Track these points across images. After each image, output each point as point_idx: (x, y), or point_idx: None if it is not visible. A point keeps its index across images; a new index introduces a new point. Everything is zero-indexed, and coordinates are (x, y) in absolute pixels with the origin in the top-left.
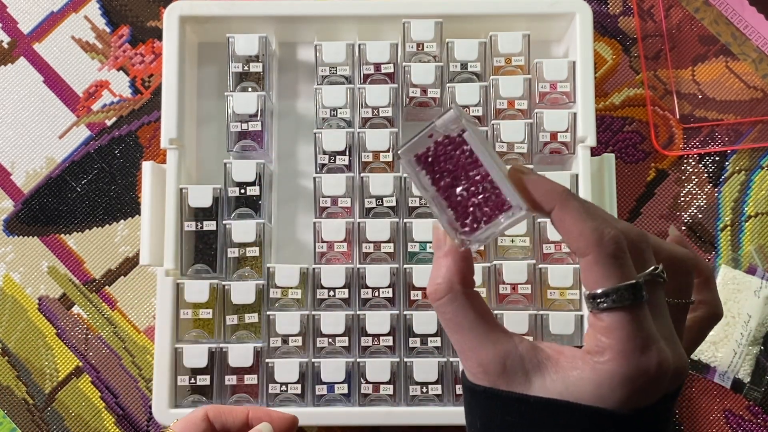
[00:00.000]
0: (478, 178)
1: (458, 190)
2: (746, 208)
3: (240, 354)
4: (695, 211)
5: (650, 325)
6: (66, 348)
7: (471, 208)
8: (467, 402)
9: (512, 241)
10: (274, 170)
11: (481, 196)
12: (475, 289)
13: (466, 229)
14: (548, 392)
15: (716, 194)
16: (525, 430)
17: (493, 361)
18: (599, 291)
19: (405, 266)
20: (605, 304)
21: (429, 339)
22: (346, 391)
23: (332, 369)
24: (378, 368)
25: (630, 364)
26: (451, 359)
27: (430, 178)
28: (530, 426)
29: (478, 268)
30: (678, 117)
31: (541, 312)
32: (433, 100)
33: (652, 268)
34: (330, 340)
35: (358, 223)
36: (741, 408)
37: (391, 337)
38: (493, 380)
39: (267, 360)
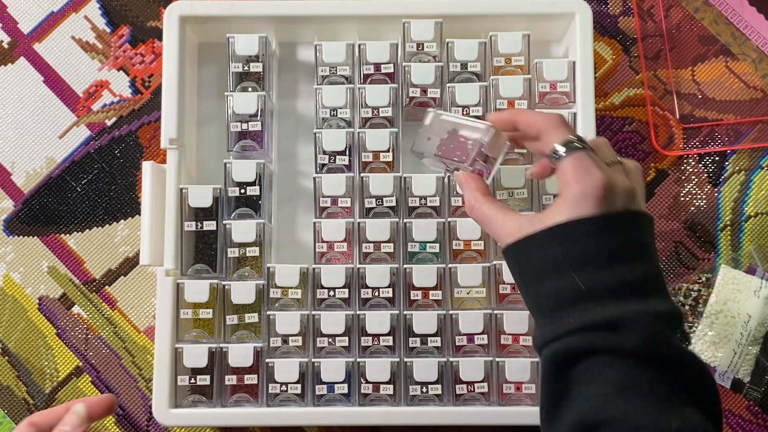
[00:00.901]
0: (467, 142)
1: (460, 152)
2: (746, 208)
3: (240, 354)
4: (695, 211)
5: (594, 159)
6: (66, 348)
7: (471, 151)
8: (509, 262)
9: None
10: (274, 170)
11: (470, 143)
12: (476, 292)
13: (472, 162)
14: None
15: (716, 194)
16: (543, 250)
17: (515, 227)
18: (557, 145)
19: (405, 266)
20: (564, 153)
21: (429, 339)
22: (346, 391)
23: (332, 369)
24: (378, 368)
25: (585, 182)
26: (451, 359)
27: (447, 159)
28: (546, 246)
29: (477, 268)
30: (678, 117)
31: None
32: (433, 100)
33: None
34: (330, 340)
35: (358, 223)
36: (741, 408)
37: (391, 337)
38: (517, 238)
39: (267, 360)
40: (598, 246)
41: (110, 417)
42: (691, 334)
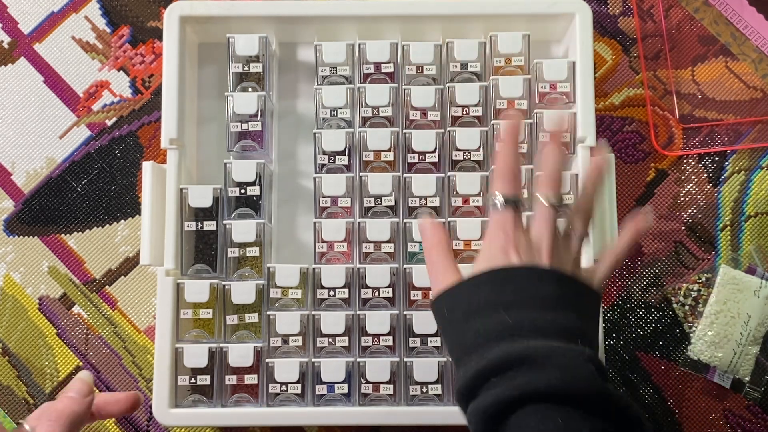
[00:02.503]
0: None
1: None
2: (746, 208)
3: (240, 354)
4: (695, 211)
5: (514, 220)
6: (66, 348)
7: None
8: (440, 309)
9: None
10: (274, 170)
11: None
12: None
13: None
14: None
15: (716, 194)
16: (475, 292)
17: (455, 279)
18: (497, 193)
19: (405, 266)
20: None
21: (429, 339)
22: (346, 390)
23: (332, 369)
24: (378, 368)
25: (493, 241)
26: (450, 359)
27: None
28: (480, 287)
29: None
30: (678, 117)
31: None
32: (434, 123)
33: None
34: (330, 340)
35: (359, 222)
36: (741, 408)
37: (391, 337)
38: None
39: (267, 360)
40: (534, 289)
41: None
42: (691, 334)
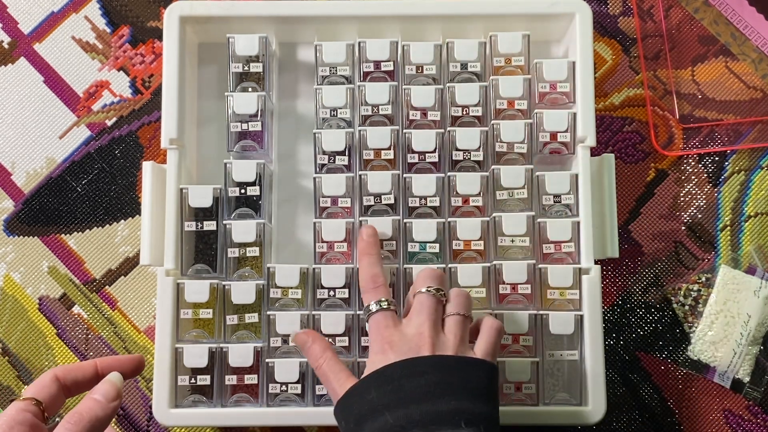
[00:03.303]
0: None
1: None
2: (746, 208)
3: (240, 354)
4: (695, 211)
5: (388, 320)
6: (66, 348)
7: None
8: (339, 419)
9: (512, 241)
10: (274, 170)
11: None
12: (476, 292)
13: None
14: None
15: (716, 194)
16: (363, 397)
17: (349, 386)
18: (371, 303)
19: (405, 266)
20: (372, 310)
21: None
22: None
23: None
24: None
25: (375, 341)
26: None
27: None
28: (364, 393)
29: (477, 268)
30: (678, 117)
31: (541, 312)
32: (434, 123)
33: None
34: (330, 340)
35: (359, 222)
36: (741, 408)
37: None
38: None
39: (267, 360)
40: (412, 383)
41: None
42: (691, 334)
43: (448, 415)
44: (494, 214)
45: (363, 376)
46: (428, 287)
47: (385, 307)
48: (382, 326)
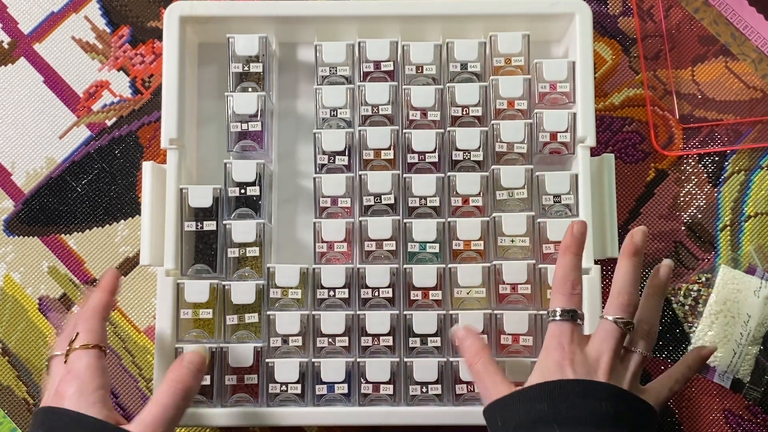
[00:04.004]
0: None
1: None
2: (746, 208)
3: (240, 354)
4: (695, 211)
5: (572, 334)
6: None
7: None
8: (492, 417)
9: (512, 241)
10: (274, 170)
11: None
12: (476, 292)
13: None
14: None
15: (716, 194)
16: (530, 404)
17: (506, 388)
18: (557, 308)
19: (405, 266)
20: (557, 318)
21: (429, 339)
22: (346, 391)
23: (332, 369)
24: (378, 368)
25: (551, 355)
26: (450, 359)
27: None
28: (534, 401)
29: (477, 268)
30: (678, 117)
31: (541, 312)
32: (434, 123)
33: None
34: (330, 340)
35: (360, 222)
36: (741, 408)
37: (391, 337)
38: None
39: (267, 360)
40: (590, 406)
41: None
42: (691, 334)
43: None
44: (494, 214)
45: (532, 383)
46: (619, 318)
47: (573, 320)
48: (566, 340)
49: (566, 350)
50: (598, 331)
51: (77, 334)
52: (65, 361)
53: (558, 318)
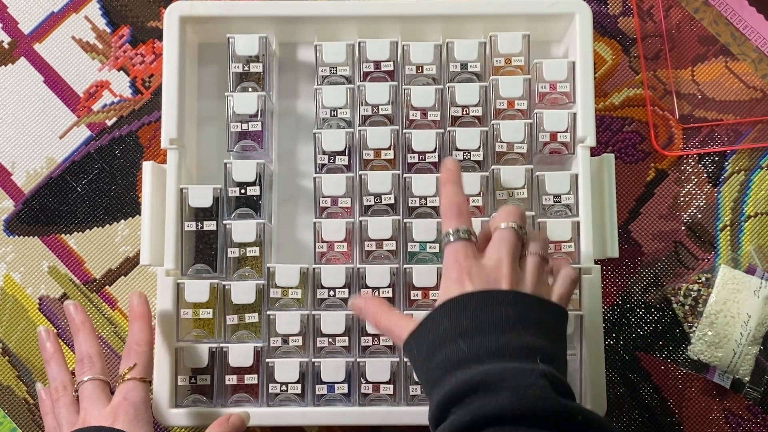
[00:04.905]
0: None
1: None
2: (746, 208)
3: (240, 354)
4: (695, 211)
5: (467, 249)
6: (67, 348)
7: None
8: (410, 351)
9: None
10: (274, 170)
11: None
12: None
13: None
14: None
15: (716, 194)
16: (436, 325)
17: (414, 322)
18: (449, 230)
19: (405, 266)
20: (451, 239)
21: None
22: (346, 390)
23: (332, 369)
24: (378, 368)
25: (450, 270)
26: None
27: None
28: (437, 322)
29: None
30: (677, 117)
31: None
32: (434, 123)
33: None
34: (330, 339)
35: (360, 222)
36: (741, 408)
37: None
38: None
39: (267, 360)
40: (489, 313)
41: None
42: (691, 334)
43: (524, 350)
44: (494, 214)
45: (437, 305)
46: (511, 223)
47: (465, 237)
48: (462, 255)
49: (463, 265)
50: (494, 240)
51: (135, 364)
52: (117, 384)
53: (452, 239)
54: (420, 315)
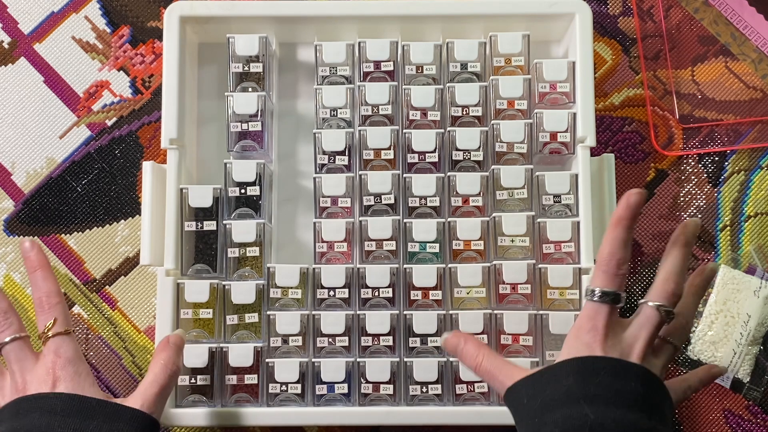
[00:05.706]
0: None
1: None
2: (745, 208)
3: (240, 354)
4: (695, 211)
5: (605, 317)
6: None
7: None
8: (516, 399)
9: (512, 241)
10: (274, 170)
11: None
12: (476, 292)
13: None
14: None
15: (716, 194)
16: (556, 381)
17: (521, 371)
18: (595, 288)
19: (405, 266)
20: (594, 298)
21: (429, 339)
22: (346, 390)
23: (332, 369)
24: (378, 368)
25: (582, 335)
26: (450, 359)
27: None
28: (560, 377)
29: (477, 268)
30: (677, 117)
31: (541, 312)
32: (434, 123)
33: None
34: (330, 339)
35: (360, 222)
36: (740, 408)
37: (391, 337)
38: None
39: (267, 360)
40: (620, 385)
41: None
42: (691, 334)
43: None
44: (494, 214)
45: (560, 360)
46: (662, 306)
47: (612, 301)
48: (602, 322)
49: (600, 333)
50: (638, 316)
51: (55, 319)
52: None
53: (596, 299)
54: (521, 362)
